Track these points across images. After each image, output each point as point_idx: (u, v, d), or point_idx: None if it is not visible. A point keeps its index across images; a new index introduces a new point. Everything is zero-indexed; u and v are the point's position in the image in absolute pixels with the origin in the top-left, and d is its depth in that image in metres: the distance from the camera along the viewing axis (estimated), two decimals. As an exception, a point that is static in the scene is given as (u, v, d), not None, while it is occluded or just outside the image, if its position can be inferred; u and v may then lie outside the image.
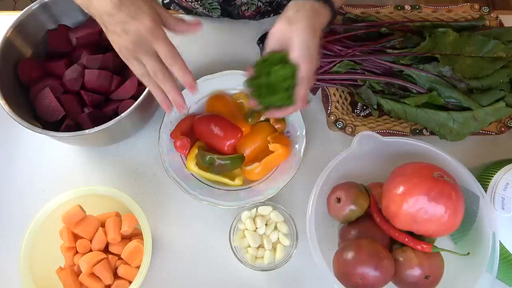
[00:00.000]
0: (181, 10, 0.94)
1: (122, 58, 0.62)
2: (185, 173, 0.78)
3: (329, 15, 0.66)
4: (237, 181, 0.77)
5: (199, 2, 0.86)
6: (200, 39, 0.91)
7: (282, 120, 0.80)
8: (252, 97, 0.67)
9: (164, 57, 0.60)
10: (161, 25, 0.60)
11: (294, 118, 0.80)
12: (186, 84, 0.62)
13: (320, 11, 0.65)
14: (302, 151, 0.78)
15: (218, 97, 0.82)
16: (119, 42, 0.60)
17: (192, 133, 0.79)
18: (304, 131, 0.79)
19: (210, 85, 0.83)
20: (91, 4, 0.59)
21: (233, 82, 0.83)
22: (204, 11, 0.89)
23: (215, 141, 0.77)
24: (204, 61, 0.89)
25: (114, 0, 0.57)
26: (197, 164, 0.77)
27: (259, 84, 0.66)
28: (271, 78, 0.64)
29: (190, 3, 0.88)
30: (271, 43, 0.66)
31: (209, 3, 0.86)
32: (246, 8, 0.86)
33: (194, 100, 0.83)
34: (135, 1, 0.58)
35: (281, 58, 0.64)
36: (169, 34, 0.61)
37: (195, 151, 0.77)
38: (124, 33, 0.58)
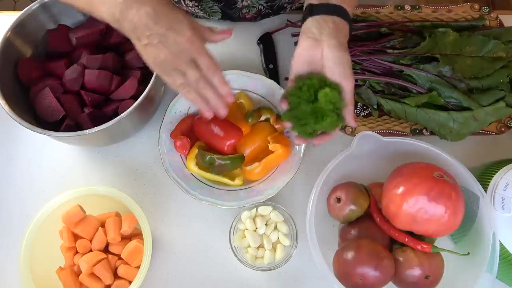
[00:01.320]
0: None
1: (156, 70, 0.61)
2: (185, 173, 0.78)
3: (348, 27, 0.65)
4: (237, 181, 0.77)
5: (199, 6, 0.86)
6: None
7: (282, 120, 0.80)
8: (295, 128, 0.65)
9: (206, 68, 0.60)
10: (199, 36, 0.59)
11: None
12: (225, 95, 0.62)
13: (341, 25, 0.64)
14: (302, 151, 0.78)
15: (218, 97, 0.82)
16: (156, 54, 0.58)
17: (192, 133, 0.79)
18: (304, 131, 0.79)
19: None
20: (126, 18, 0.57)
21: (234, 83, 0.83)
22: (205, 15, 0.89)
23: (215, 141, 0.77)
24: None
25: (150, 12, 0.56)
26: (197, 164, 0.77)
27: (303, 113, 0.63)
28: (318, 104, 0.62)
29: (190, 8, 0.88)
30: (299, 66, 0.64)
31: (209, 7, 0.86)
32: (247, 11, 0.86)
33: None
34: (171, 12, 0.58)
35: (321, 81, 0.62)
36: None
37: (195, 151, 0.77)
38: (162, 45, 0.57)
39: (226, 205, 0.75)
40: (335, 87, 0.62)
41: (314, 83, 0.62)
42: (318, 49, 0.62)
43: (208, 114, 0.64)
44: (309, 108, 0.63)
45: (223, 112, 0.63)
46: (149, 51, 0.59)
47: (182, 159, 0.79)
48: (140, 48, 0.60)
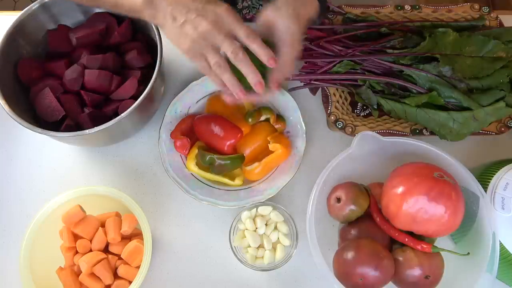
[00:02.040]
0: None
1: (192, 53, 0.60)
2: (185, 173, 0.78)
3: (316, 4, 0.67)
4: (237, 181, 0.77)
5: None
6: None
7: (282, 120, 0.80)
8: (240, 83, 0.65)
9: (245, 36, 0.59)
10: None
11: (294, 118, 0.80)
12: (269, 59, 0.60)
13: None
14: (302, 151, 0.78)
15: (218, 97, 0.82)
16: (194, 30, 0.58)
17: (192, 133, 0.79)
18: (304, 131, 0.79)
19: (210, 85, 0.83)
20: None
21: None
22: None
23: (215, 141, 0.77)
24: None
25: None
26: (197, 164, 0.77)
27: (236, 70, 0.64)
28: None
29: None
30: (257, 28, 0.65)
31: None
32: (248, 11, 0.86)
33: (194, 100, 0.83)
34: None
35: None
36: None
37: (195, 151, 0.77)
38: (200, 18, 0.58)
39: (226, 205, 0.75)
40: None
41: None
42: (273, 15, 0.63)
43: (241, 95, 0.62)
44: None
45: (260, 86, 0.61)
46: (187, 29, 0.58)
47: (182, 159, 0.79)
48: (174, 31, 0.59)
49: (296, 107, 0.81)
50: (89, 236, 0.73)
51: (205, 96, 0.83)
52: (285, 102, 0.82)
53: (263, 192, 0.76)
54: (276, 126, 0.80)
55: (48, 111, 0.75)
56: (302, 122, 0.79)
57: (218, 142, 0.77)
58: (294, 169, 0.77)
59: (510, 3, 1.83)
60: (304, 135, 0.79)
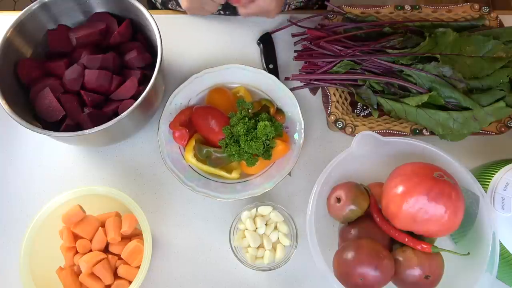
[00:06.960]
0: (179, 8, 0.94)
1: None
2: (182, 165, 0.78)
3: None
4: (234, 174, 0.77)
5: None
6: (201, 36, 0.91)
7: (281, 113, 0.80)
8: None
9: None
10: None
11: (293, 114, 0.81)
12: None
13: None
14: (300, 146, 0.78)
15: (218, 90, 0.82)
16: None
17: (191, 124, 0.79)
18: (302, 127, 0.79)
19: (210, 78, 0.83)
20: None
21: (233, 76, 0.83)
22: None
23: (211, 134, 0.77)
24: (205, 55, 0.89)
25: None
26: (195, 155, 0.77)
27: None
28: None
29: None
30: None
31: None
32: None
33: (195, 92, 0.83)
34: None
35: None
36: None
37: (193, 142, 0.77)
38: None
39: (222, 198, 0.75)
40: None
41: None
42: None
43: None
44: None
45: None
46: None
47: (180, 151, 0.79)
48: None
49: (295, 103, 0.80)
50: (89, 236, 0.73)
51: (205, 89, 0.83)
52: (285, 98, 0.82)
53: (260, 186, 0.76)
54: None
55: (48, 111, 0.75)
56: (301, 118, 0.79)
57: (213, 135, 0.77)
58: (291, 165, 0.77)
59: (510, 3, 1.83)
60: (303, 131, 0.79)
